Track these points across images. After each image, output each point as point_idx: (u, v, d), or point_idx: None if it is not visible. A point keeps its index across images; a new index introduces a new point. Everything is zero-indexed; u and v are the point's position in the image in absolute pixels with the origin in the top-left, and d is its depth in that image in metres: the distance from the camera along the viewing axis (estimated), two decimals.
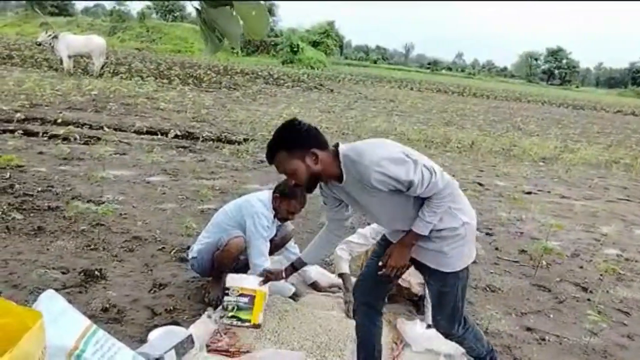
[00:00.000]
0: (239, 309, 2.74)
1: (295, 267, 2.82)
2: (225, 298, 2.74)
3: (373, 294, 2.56)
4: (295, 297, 3.45)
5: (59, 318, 1.90)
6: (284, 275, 2.87)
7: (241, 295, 2.69)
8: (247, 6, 1.52)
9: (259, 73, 28.17)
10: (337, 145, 2.23)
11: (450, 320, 2.48)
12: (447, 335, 2.58)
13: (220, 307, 3.08)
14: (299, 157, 2.15)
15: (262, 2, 1.55)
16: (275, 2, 66.44)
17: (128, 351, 2.05)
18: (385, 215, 2.32)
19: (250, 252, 3.30)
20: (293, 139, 2.17)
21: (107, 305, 3.17)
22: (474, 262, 2.46)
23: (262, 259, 3.28)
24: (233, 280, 2.94)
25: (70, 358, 1.81)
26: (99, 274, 3.56)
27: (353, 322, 3.15)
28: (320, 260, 2.86)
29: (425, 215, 2.20)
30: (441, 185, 2.15)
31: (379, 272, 2.38)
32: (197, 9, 1.58)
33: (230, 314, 2.70)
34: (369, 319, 2.59)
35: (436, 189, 2.14)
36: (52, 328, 1.84)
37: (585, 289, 4.31)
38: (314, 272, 3.79)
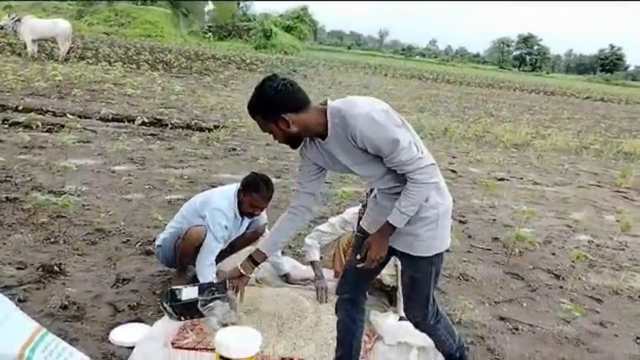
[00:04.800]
0: None
1: (254, 261, 2.48)
2: None
3: (355, 289, 2.48)
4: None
5: (3, 323, 1.75)
6: (246, 274, 2.51)
7: None
8: None
9: (231, 58, 27.76)
10: (325, 102, 2.13)
11: (422, 309, 2.40)
12: (418, 326, 2.51)
13: None
14: (272, 121, 2.09)
15: None
16: None
17: (81, 355, 1.91)
18: (368, 175, 2.22)
19: (200, 250, 3.17)
20: (263, 106, 2.08)
21: (67, 302, 3.01)
22: (447, 250, 2.37)
23: (206, 262, 3.15)
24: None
25: None
26: (58, 269, 3.40)
27: (323, 314, 3.10)
28: (277, 249, 2.63)
29: (402, 205, 2.10)
30: (423, 164, 2.04)
31: (359, 265, 2.27)
32: None
33: None
34: (349, 316, 2.49)
35: (419, 162, 2.03)
36: None
37: (557, 277, 4.31)
38: (287, 264, 3.71)
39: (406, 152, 2.02)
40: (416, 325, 2.52)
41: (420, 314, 2.42)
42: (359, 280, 2.47)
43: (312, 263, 3.54)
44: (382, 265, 2.44)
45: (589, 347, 3.25)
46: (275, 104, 2.05)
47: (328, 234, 3.56)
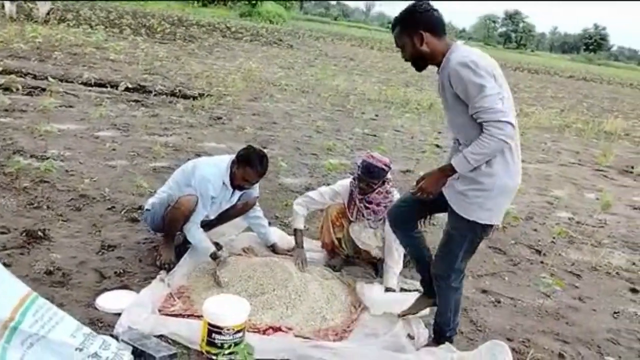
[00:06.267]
0: (236, 344, 2.58)
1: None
2: (220, 337, 2.55)
3: (401, 218, 2.68)
4: (215, 257, 3.20)
5: None
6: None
7: (237, 332, 2.54)
8: None
9: (216, 25, 27.25)
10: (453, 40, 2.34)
11: (446, 267, 2.49)
12: (437, 279, 2.57)
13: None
14: (409, 35, 2.30)
15: None
16: None
17: (71, 321, 1.90)
18: (451, 120, 2.40)
19: (190, 219, 3.18)
20: (408, 18, 2.29)
21: (52, 268, 2.98)
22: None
23: (192, 224, 3.18)
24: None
25: (4, 331, 1.65)
26: (42, 234, 3.34)
27: (310, 283, 3.11)
28: None
29: (468, 151, 2.21)
30: (501, 117, 2.13)
31: (411, 192, 2.46)
32: None
33: (228, 351, 2.54)
34: (404, 234, 2.71)
35: (497, 115, 2.14)
36: None
37: (538, 252, 4.39)
38: (274, 235, 3.71)
39: (488, 100, 2.14)
40: (435, 278, 2.59)
41: (443, 270, 2.51)
42: (406, 213, 2.66)
43: (294, 230, 3.54)
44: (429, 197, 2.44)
45: (568, 320, 3.33)
46: (419, 19, 2.26)
47: (317, 202, 3.55)
